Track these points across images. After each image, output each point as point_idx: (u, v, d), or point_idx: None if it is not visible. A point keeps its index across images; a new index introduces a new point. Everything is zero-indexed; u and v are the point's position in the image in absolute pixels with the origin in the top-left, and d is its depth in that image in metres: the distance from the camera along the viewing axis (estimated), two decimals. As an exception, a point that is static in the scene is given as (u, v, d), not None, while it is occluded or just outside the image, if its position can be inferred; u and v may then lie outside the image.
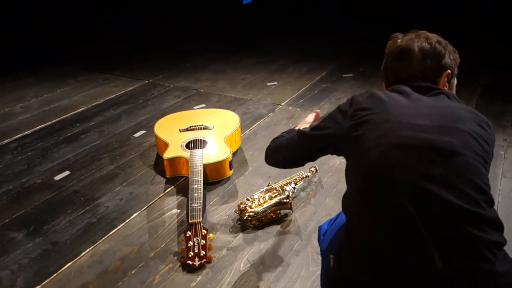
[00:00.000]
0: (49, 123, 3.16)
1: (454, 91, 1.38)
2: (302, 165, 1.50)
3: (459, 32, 3.69)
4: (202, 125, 2.62)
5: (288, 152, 1.45)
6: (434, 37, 1.34)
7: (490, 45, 4.48)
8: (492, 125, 1.23)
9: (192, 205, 1.96)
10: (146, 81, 3.93)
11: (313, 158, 1.42)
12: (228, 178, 2.39)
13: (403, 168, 1.09)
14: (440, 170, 1.07)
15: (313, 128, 1.36)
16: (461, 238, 1.03)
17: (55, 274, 1.78)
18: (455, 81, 1.39)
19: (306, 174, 2.30)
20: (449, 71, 1.32)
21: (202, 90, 3.70)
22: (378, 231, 1.10)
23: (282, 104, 3.37)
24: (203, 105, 3.38)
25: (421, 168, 1.08)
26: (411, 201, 1.05)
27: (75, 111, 3.35)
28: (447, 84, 1.33)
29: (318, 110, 1.75)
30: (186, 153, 2.34)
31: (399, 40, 1.37)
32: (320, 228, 1.49)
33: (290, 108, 3.30)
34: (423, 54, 1.30)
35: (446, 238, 1.03)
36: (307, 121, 1.66)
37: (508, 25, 5.08)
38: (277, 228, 2.02)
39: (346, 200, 1.23)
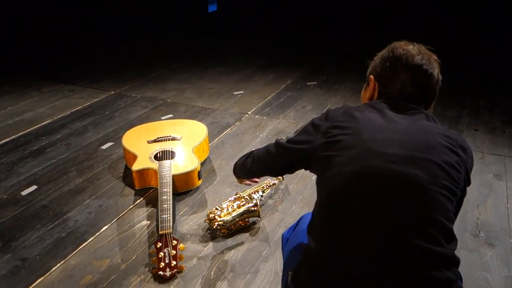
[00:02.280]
0: (14, 136, 3.12)
1: None
2: (279, 175, 1.51)
3: (413, 39, 3.84)
4: (170, 136, 2.65)
5: (265, 161, 1.44)
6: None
7: (443, 52, 4.67)
8: (469, 147, 1.21)
9: (162, 216, 1.99)
10: (112, 92, 3.93)
11: (290, 171, 1.39)
12: (197, 188, 2.44)
13: (364, 200, 1.09)
14: (401, 206, 1.07)
15: (288, 140, 1.34)
16: (416, 275, 1.05)
17: (26, 291, 1.79)
18: None
19: (273, 182, 2.37)
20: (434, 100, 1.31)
21: (169, 100, 3.73)
22: (333, 261, 1.10)
23: (249, 113, 3.44)
24: (171, 115, 3.41)
25: (382, 202, 1.08)
26: (371, 236, 1.06)
27: (41, 124, 3.32)
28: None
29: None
30: (154, 165, 2.37)
31: (418, 56, 1.26)
32: (282, 236, 1.53)
33: (257, 116, 3.37)
34: (437, 83, 1.28)
35: (400, 274, 1.05)
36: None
37: (462, 32, 5.32)
38: (246, 235, 2.07)
39: (312, 218, 1.22)
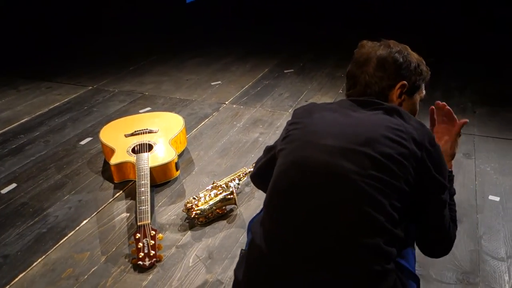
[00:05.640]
0: (-9, 136, 3.13)
1: (414, 107, 1.34)
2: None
3: (390, 23, 3.92)
4: (147, 129, 2.68)
5: (260, 166, 1.47)
6: (397, 46, 1.31)
7: (420, 35, 4.76)
8: (431, 144, 1.15)
9: (140, 207, 2.03)
10: (90, 87, 3.93)
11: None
12: (176, 179, 2.48)
13: (295, 190, 1.13)
14: (327, 196, 1.09)
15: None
16: (335, 266, 1.06)
17: (8, 286, 1.82)
18: (417, 96, 1.34)
19: (249, 169, 2.42)
20: (404, 82, 1.28)
21: (147, 93, 3.75)
22: (265, 249, 1.13)
23: (226, 102, 3.48)
24: (149, 108, 3.44)
25: (310, 192, 1.11)
26: (298, 226, 1.10)
27: (19, 122, 3.32)
28: (403, 96, 1.29)
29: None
30: (132, 158, 2.41)
31: (364, 47, 1.34)
32: (249, 223, 1.60)
33: (234, 106, 3.41)
34: (379, 62, 1.28)
35: (320, 271, 1.06)
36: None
37: (444, 14, 5.39)
38: (224, 223, 2.13)
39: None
